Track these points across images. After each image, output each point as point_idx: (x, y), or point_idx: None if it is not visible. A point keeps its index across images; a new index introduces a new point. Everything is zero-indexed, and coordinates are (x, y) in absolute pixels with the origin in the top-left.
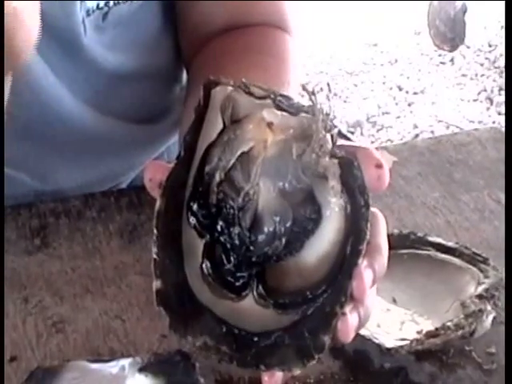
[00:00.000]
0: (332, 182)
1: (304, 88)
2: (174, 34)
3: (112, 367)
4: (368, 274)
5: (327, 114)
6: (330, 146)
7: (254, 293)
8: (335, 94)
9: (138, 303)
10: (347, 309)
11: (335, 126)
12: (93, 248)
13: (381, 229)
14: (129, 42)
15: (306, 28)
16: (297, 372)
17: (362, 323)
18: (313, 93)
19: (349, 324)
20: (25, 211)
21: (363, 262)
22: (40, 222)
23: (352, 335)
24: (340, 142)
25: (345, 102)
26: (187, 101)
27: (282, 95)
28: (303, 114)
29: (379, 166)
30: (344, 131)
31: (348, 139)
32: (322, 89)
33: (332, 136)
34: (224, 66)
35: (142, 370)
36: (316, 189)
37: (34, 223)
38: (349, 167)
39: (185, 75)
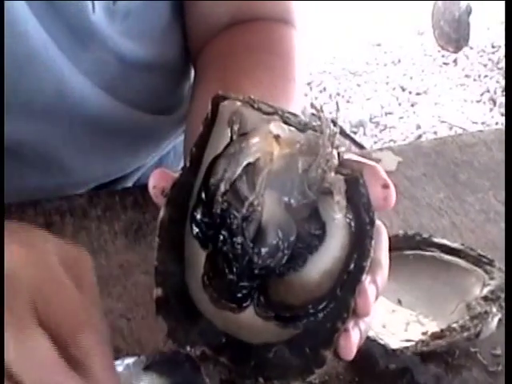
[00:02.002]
0: (337, 198)
1: (312, 105)
2: (182, 27)
3: (117, 366)
4: (372, 289)
5: (335, 131)
6: (336, 161)
7: (256, 305)
8: (338, 94)
9: (143, 302)
10: (349, 325)
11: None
12: (98, 247)
13: (382, 242)
14: (138, 32)
15: (310, 28)
16: None
17: (362, 339)
18: (321, 109)
19: (351, 340)
20: (30, 209)
21: (367, 279)
22: (45, 220)
23: (354, 352)
24: (347, 155)
25: (348, 102)
26: (193, 99)
27: (289, 112)
28: (311, 131)
29: (386, 186)
30: (347, 131)
31: (351, 139)
32: (324, 88)
33: (338, 153)
34: (229, 64)
35: (147, 368)
36: (321, 205)
37: (39, 221)
38: (354, 184)
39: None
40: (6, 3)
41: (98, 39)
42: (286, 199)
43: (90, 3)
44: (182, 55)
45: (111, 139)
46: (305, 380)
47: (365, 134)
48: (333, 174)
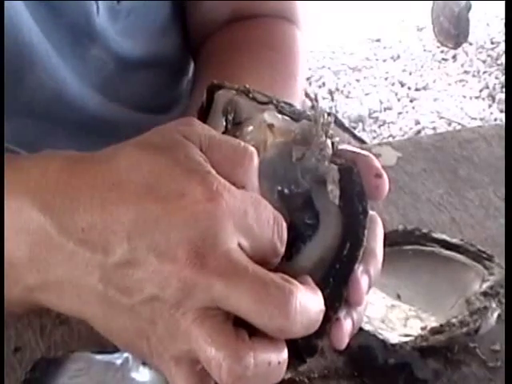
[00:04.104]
0: (330, 187)
1: (307, 94)
2: (181, 24)
3: (116, 359)
4: (364, 279)
5: (329, 121)
6: (330, 151)
7: None
8: (337, 89)
9: None
10: (341, 314)
11: (335, 121)
12: None
13: (377, 233)
14: (139, 29)
15: (309, 23)
16: (287, 375)
17: (354, 329)
18: (315, 99)
19: (343, 330)
20: None
21: (359, 268)
22: None
23: (346, 341)
24: (342, 146)
25: (347, 97)
26: (193, 95)
27: (284, 102)
28: (305, 121)
29: (379, 175)
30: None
31: (351, 133)
32: (324, 83)
33: (333, 143)
34: (230, 60)
35: (145, 362)
36: (314, 194)
37: None
38: (348, 173)
39: (192, 68)
40: (10, 13)
41: (100, 40)
42: (279, 188)
43: (94, 5)
44: (181, 52)
45: (110, 141)
46: (296, 369)
47: (364, 129)
48: (327, 163)
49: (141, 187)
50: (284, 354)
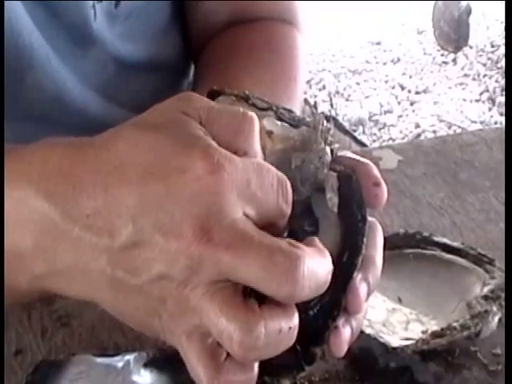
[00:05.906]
0: (329, 195)
1: (306, 101)
2: (181, 26)
3: (117, 362)
4: (363, 287)
5: (328, 128)
6: (329, 158)
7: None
8: (337, 92)
9: None
10: (340, 322)
11: (336, 123)
12: None
13: (376, 240)
14: (139, 32)
15: (309, 26)
16: (286, 383)
17: (353, 336)
18: (314, 106)
19: (342, 338)
20: None
21: (358, 276)
22: None
23: (345, 349)
24: (342, 153)
25: (347, 100)
26: None
27: (284, 108)
28: (304, 128)
29: (377, 184)
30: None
31: (352, 136)
32: (324, 86)
33: (332, 150)
34: (230, 62)
35: (147, 365)
36: (314, 201)
37: None
38: (347, 181)
39: (192, 71)
40: (10, 16)
41: (98, 44)
42: None
43: (92, 9)
44: (181, 54)
45: None
46: (295, 377)
47: (364, 132)
48: (326, 170)
49: (142, 168)
50: (295, 320)
